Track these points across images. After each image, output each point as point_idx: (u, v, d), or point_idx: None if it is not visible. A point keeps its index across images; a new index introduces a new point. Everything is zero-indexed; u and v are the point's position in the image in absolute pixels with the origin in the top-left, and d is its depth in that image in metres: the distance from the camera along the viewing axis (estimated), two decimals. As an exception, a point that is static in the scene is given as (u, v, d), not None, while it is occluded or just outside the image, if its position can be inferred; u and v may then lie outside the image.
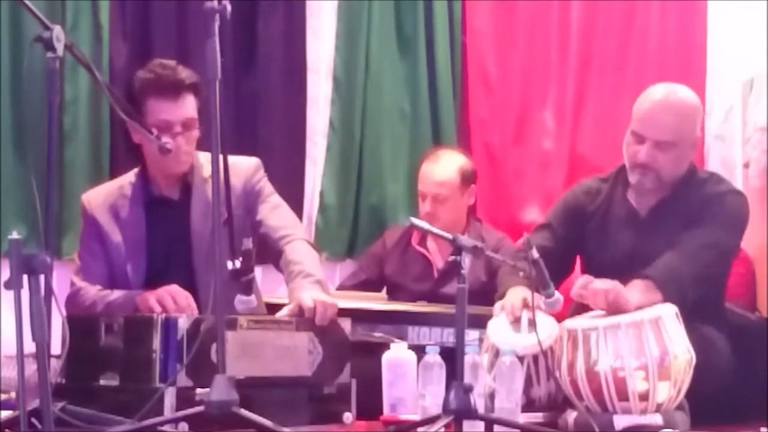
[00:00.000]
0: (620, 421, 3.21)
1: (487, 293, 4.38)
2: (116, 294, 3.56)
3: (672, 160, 3.62)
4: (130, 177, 3.72)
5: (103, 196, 3.72)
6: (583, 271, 3.89)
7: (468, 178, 4.67)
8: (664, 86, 3.71)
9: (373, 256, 4.77)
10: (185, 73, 3.60)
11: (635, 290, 3.37)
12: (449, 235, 3.14)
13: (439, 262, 4.65)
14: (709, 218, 3.60)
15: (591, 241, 3.78)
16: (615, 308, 3.32)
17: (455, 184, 4.63)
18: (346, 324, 3.37)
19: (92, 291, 3.60)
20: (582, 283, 3.37)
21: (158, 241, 3.66)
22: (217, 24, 2.88)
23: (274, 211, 3.68)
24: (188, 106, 3.56)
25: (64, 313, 2.94)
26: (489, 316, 3.54)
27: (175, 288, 3.44)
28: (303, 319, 3.26)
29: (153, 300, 3.41)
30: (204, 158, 3.65)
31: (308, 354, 3.25)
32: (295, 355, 3.22)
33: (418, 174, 4.72)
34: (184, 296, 3.42)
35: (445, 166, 4.64)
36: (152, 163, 3.63)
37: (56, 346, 2.74)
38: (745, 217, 3.69)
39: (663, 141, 3.60)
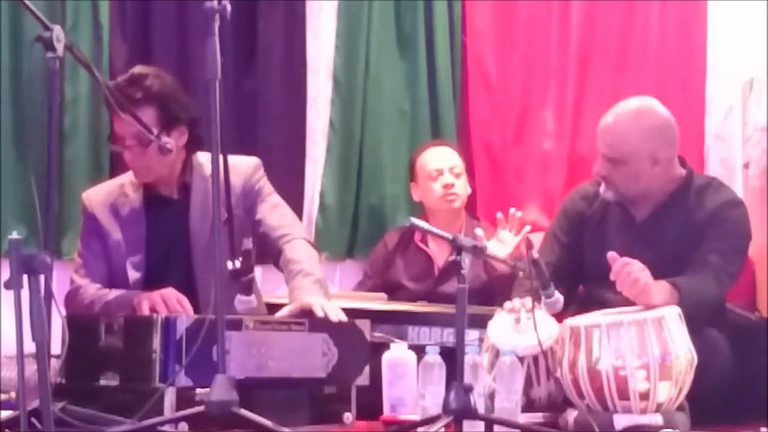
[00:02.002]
0: (620, 420, 3.21)
1: (487, 292, 4.40)
2: (114, 294, 3.57)
3: (626, 175, 3.64)
4: (130, 175, 3.73)
5: (104, 195, 3.73)
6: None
7: (466, 168, 4.78)
8: (627, 102, 3.74)
9: (377, 260, 4.78)
10: (141, 84, 3.56)
11: (662, 290, 3.38)
12: (449, 235, 3.15)
13: (440, 261, 4.66)
14: (718, 240, 3.59)
15: (588, 245, 3.80)
16: (638, 300, 3.32)
17: (463, 164, 4.75)
18: (364, 325, 3.36)
19: (91, 290, 3.60)
20: (621, 264, 3.36)
21: (157, 240, 3.67)
22: (217, 24, 2.88)
23: (274, 211, 3.68)
24: (140, 118, 3.45)
25: (64, 312, 2.94)
26: (489, 316, 3.55)
27: (169, 293, 3.43)
28: (317, 321, 3.25)
29: (145, 305, 3.40)
30: (204, 157, 3.65)
31: (322, 356, 3.24)
32: (306, 357, 3.21)
33: (415, 165, 4.76)
34: (176, 301, 3.41)
35: (450, 149, 4.78)
36: (132, 170, 3.67)
37: (56, 346, 2.73)
38: (749, 232, 3.71)
39: (610, 157, 3.63)
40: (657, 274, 3.46)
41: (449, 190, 4.64)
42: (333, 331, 3.26)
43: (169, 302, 3.40)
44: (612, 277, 3.36)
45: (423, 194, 4.73)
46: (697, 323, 3.37)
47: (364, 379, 3.32)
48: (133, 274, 3.63)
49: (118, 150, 3.63)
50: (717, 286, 3.56)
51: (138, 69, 3.68)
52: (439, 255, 4.67)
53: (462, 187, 4.69)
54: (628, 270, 3.34)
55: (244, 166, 3.69)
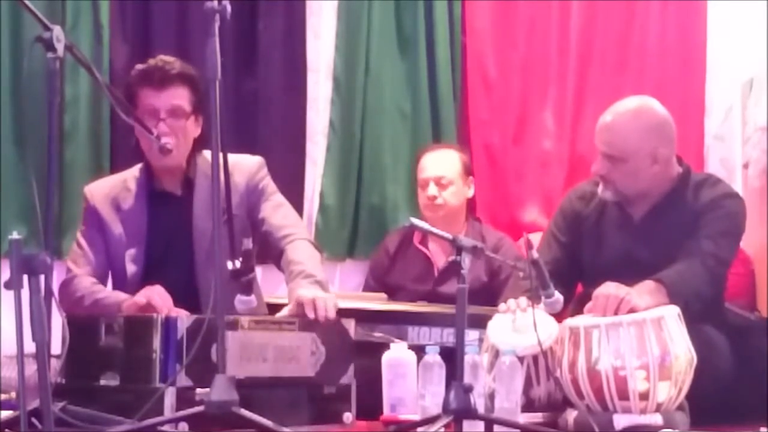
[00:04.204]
0: (620, 420, 3.21)
1: (487, 293, 4.40)
2: (105, 293, 3.56)
3: (626, 174, 3.64)
4: (134, 171, 3.74)
5: (107, 189, 3.73)
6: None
7: (467, 169, 4.78)
8: (626, 101, 3.74)
9: (379, 265, 4.78)
10: (179, 66, 3.65)
11: (645, 290, 3.38)
12: (449, 236, 3.15)
13: (439, 262, 4.66)
14: (709, 226, 3.60)
15: (585, 244, 3.80)
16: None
17: (457, 170, 4.71)
18: (349, 324, 3.37)
19: (85, 282, 3.58)
20: (595, 302, 3.36)
21: (158, 235, 3.66)
22: (217, 24, 2.88)
23: (277, 210, 3.68)
24: (177, 95, 3.60)
25: (61, 309, 2.93)
26: (489, 316, 3.55)
27: (152, 296, 3.41)
28: (305, 320, 3.25)
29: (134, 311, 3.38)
30: (208, 155, 3.64)
31: (311, 355, 3.25)
32: (297, 356, 3.22)
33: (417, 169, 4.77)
34: (159, 301, 3.38)
35: (446, 154, 4.76)
36: (149, 158, 3.66)
37: (56, 346, 2.74)
38: (742, 221, 3.70)
39: (609, 155, 3.63)
40: (655, 273, 3.46)
41: (431, 202, 4.64)
42: (320, 330, 3.27)
43: (158, 309, 3.35)
44: (599, 313, 3.33)
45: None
46: (694, 315, 3.37)
47: (348, 377, 3.33)
48: (131, 268, 3.61)
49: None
50: (703, 269, 3.54)
51: (160, 56, 3.72)
52: (439, 256, 4.67)
53: (450, 196, 4.66)
54: (605, 294, 3.33)
55: (247, 165, 3.69)
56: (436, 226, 4.42)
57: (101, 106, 4.72)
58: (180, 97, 3.61)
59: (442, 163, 4.71)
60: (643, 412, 3.21)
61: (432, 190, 4.65)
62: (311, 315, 3.26)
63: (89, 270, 3.63)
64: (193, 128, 3.66)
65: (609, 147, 3.65)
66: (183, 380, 2.96)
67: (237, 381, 2.82)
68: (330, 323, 3.29)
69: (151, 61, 3.68)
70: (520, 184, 5.25)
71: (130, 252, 3.63)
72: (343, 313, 3.37)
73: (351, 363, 3.34)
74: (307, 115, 5.07)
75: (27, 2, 2.85)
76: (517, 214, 5.20)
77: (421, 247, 4.71)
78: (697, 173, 3.86)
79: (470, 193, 4.78)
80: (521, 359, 3.31)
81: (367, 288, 4.78)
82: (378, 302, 4.12)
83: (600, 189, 3.71)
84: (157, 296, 3.36)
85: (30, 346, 2.15)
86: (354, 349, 3.37)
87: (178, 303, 3.38)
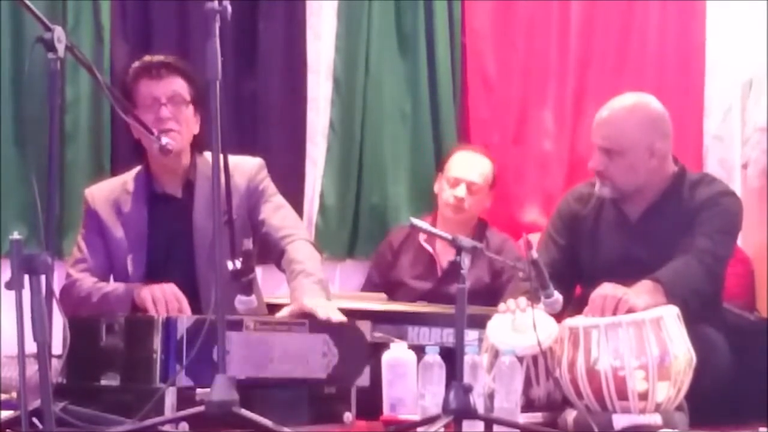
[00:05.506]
0: (619, 420, 3.22)
1: (489, 294, 4.40)
2: (113, 286, 3.57)
3: (623, 168, 3.65)
4: (133, 173, 3.75)
5: (107, 191, 3.74)
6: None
7: (494, 182, 4.74)
8: (622, 97, 3.76)
9: (382, 259, 4.79)
10: (173, 59, 3.72)
11: (643, 290, 3.38)
12: (449, 236, 3.16)
13: (444, 261, 4.66)
14: (706, 224, 3.61)
15: (583, 245, 3.81)
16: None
17: (488, 181, 4.72)
18: (365, 326, 3.37)
19: (88, 282, 3.60)
20: (591, 305, 3.37)
21: (160, 238, 3.67)
22: (217, 24, 2.89)
23: (277, 211, 3.69)
24: (176, 83, 3.65)
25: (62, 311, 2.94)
26: (489, 317, 3.55)
27: (168, 292, 3.42)
28: (317, 321, 3.25)
29: (149, 301, 3.40)
30: (208, 157, 3.66)
31: (322, 356, 3.25)
32: (306, 358, 3.21)
33: (447, 159, 4.76)
34: (174, 301, 3.41)
35: (483, 161, 4.76)
36: (152, 158, 3.67)
37: (57, 346, 2.74)
38: (739, 219, 3.71)
39: (607, 148, 3.64)
40: (653, 272, 3.47)
41: (456, 203, 4.64)
42: (333, 332, 3.27)
43: (170, 305, 3.40)
44: (597, 314, 3.34)
45: (439, 190, 4.74)
46: (693, 314, 3.37)
47: (364, 379, 3.33)
48: (134, 271, 3.63)
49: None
50: (701, 266, 3.54)
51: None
52: (443, 255, 4.67)
53: (475, 204, 4.67)
54: (603, 295, 3.33)
55: (248, 166, 3.70)
56: (449, 225, 4.45)
57: (102, 106, 4.72)
58: (178, 85, 3.65)
59: (478, 169, 4.69)
60: (642, 412, 3.22)
61: (462, 191, 4.64)
62: (324, 317, 3.27)
63: (91, 274, 3.64)
64: (192, 120, 3.66)
65: (606, 140, 3.65)
66: (183, 380, 2.97)
67: (237, 381, 2.83)
68: (343, 325, 3.30)
69: (146, 58, 3.73)
70: (520, 184, 5.25)
71: (132, 256, 3.64)
72: (343, 313, 3.38)
73: (366, 365, 3.33)
74: (307, 116, 5.06)
75: (28, 3, 2.86)
76: (517, 214, 5.21)
77: (426, 245, 4.71)
78: (692, 172, 3.87)
79: (488, 204, 4.79)
80: (521, 359, 3.32)
81: (369, 282, 4.78)
82: (378, 302, 4.13)
83: (597, 186, 3.71)
84: (162, 302, 3.38)
85: (31, 346, 2.16)
86: (370, 351, 3.37)
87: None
